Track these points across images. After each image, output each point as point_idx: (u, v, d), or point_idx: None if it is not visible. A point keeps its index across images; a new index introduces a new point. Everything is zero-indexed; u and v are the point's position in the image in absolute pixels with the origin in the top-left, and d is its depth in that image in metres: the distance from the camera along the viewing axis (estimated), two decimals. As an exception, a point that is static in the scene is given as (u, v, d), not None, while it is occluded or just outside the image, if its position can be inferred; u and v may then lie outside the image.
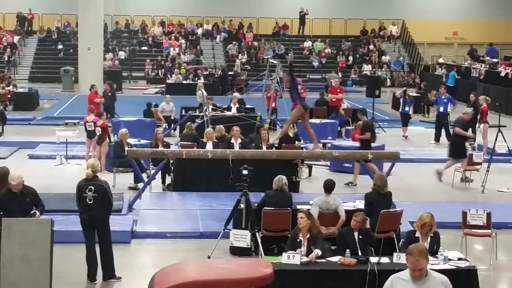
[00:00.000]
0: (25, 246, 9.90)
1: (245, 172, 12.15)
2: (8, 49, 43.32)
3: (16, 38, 44.52)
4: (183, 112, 25.12)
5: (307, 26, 47.95)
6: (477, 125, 22.22)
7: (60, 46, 44.64)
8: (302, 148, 18.50)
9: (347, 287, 9.75)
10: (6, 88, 30.74)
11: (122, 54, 44.39)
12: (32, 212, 10.38)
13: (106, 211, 11.11)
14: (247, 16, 47.91)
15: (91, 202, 10.91)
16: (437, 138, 23.94)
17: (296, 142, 18.40)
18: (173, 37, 45.95)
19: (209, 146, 17.11)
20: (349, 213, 11.42)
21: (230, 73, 39.69)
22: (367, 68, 44.33)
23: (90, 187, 10.94)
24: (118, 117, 25.37)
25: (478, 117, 22.13)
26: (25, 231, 9.93)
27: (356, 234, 10.59)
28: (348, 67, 44.93)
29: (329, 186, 12.10)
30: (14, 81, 33.77)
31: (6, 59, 42.54)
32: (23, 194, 10.38)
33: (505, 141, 20.14)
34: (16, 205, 10.29)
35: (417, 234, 10.46)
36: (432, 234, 10.41)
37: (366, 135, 17.70)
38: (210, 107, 22.59)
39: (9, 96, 30.68)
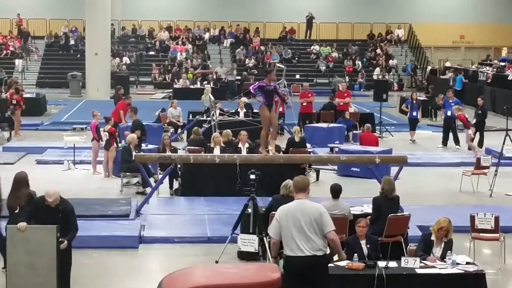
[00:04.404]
0: (31, 253, 9.86)
1: (252, 176, 12.13)
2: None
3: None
4: (190, 117, 25.10)
5: (314, 30, 47.95)
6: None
7: (71, 42, 44.84)
8: (309, 152, 18.49)
9: (355, 291, 9.73)
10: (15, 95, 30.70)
11: (128, 60, 44.41)
12: (60, 240, 9.90)
13: None
14: (254, 21, 47.93)
15: None
16: (444, 142, 23.88)
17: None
18: (180, 42, 45.98)
19: (217, 151, 17.11)
20: (356, 218, 11.37)
21: (238, 77, 39.71)
22: (374, 72, 44.21)
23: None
24: (126, 122, 25.36)
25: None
26: (30, 239, 9.89)
27: (363, 242, 10.56)
28: (355, 71, 44.90)
29: (336, 191, 12.08)
30: (22, 86, 33.79)
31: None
32: (57, 209, 10.06)
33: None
34: (46, 217, 10.01)
35: (432, 238, 10.44)
36: (446, 240, 10.38)
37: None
38: (217, 111, 22.59)
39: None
